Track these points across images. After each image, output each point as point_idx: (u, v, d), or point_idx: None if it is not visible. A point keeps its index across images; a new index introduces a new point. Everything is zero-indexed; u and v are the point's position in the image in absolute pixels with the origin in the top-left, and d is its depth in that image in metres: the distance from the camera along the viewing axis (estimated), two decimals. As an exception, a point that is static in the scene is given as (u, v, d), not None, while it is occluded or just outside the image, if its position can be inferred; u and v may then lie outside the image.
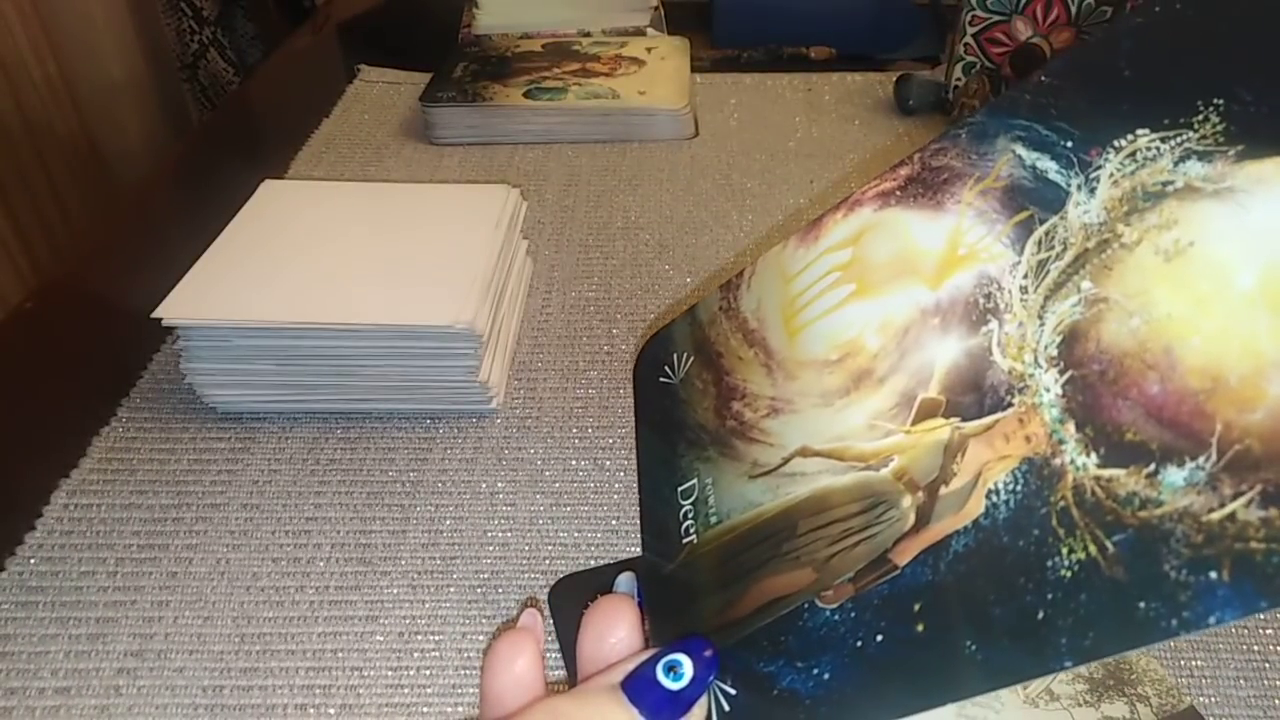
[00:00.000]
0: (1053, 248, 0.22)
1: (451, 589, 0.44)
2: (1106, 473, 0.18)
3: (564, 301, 0.63)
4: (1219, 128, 0.20)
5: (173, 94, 1.34)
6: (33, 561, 0.45)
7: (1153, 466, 0.18)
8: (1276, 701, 0.39)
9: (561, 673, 0.40)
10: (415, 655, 0.41)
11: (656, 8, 0.99)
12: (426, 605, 0.43)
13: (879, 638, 0.20)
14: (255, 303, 0.50)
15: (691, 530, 0.26)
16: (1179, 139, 0.20)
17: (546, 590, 0.44)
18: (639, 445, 0.31)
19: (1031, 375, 0.21)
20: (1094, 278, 0.21)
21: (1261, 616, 0.42)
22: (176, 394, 0.54)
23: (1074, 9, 0.77)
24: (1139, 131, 0.21)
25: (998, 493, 0.20)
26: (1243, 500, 0.16)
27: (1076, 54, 0.23)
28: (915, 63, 0.96)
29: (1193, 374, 0.18)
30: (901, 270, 0.25)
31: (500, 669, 0.24)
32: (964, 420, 0.22)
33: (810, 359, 0.26)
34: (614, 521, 0.47)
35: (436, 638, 0.42)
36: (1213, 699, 0.39)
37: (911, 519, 0.22)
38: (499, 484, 0.49)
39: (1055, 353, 0.21)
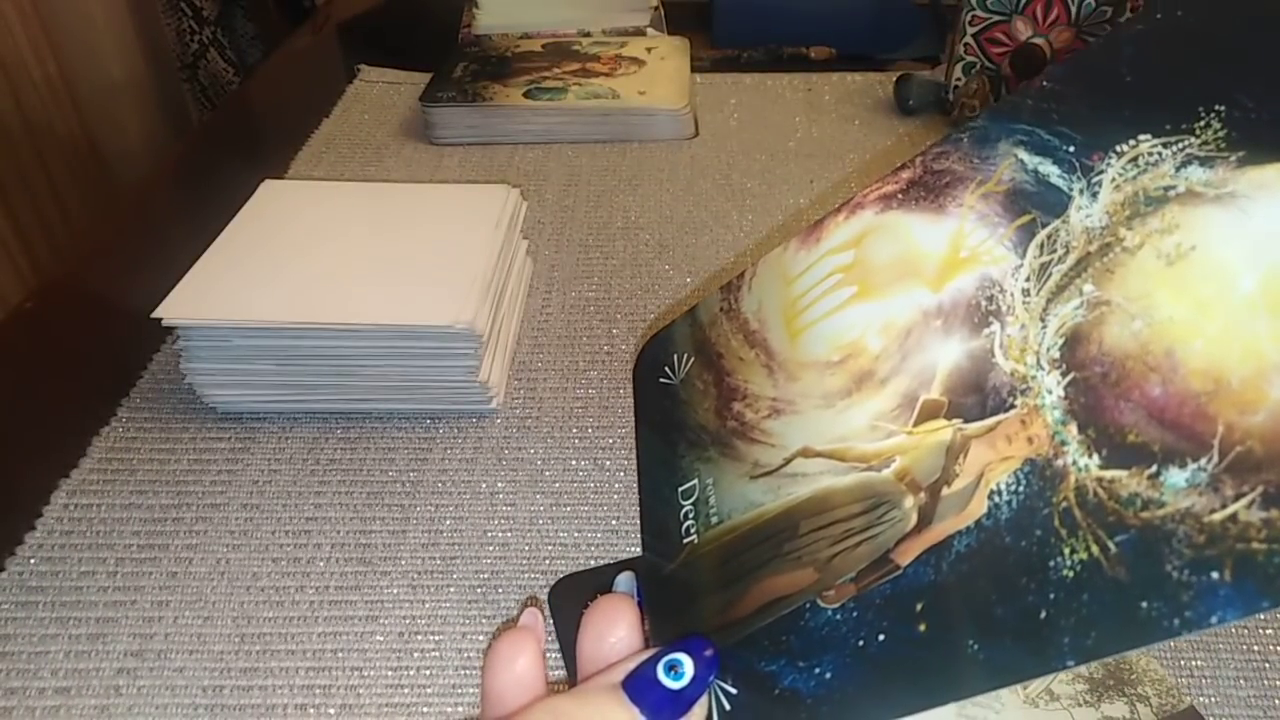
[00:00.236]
0: (1055, 251, 0.22)
1: (451, 589, 0.44)
2: (1109, 474, 0.19)
3: (564, 301, 0.63)
4: (1220, 134, 0.20)
5: (173, 94, 1.34)
6: (33, 561, 0.45)
7: (1155, 468, 0.18)
8: (1276, 701, 0.39)
9: (562, 673, 0.40)
10: (415, 655, 0.41)
11: (656, 8, 0.99)
12: (426, 605, 0.43)
13: (881, 637, 0.20)
14: (255, 303, 0.50)
15: (692, 530, 0.26)
16: (1181, 144, 0.20)
17: (546, 590, 0.44)
18: (639, 446, 0.31)
19: (1034, 377, 0.21)
20: (1096, 281, 0.21)
21: (1262, 617, 0.42)
22: (176, 394, 0.54)
23: (1074, 9, 0.77)
24: (1141, 137, 0.21)
25: (1000, 493, 0.20)
26: (1244, 501, 0.16)
27: (1078, 59, 0.24)
28: (915, 63, 0.96)
29: (1194, 376, 0.18)
30: (903, 272, 0.25)
31: (501, 668, 0.24)
32: (966, 421, 0.22)
33: (812, 360, 0.26)
34: (614, 521, 0.47)
35: (436, 638, 0.42)
36: (1213, 699, 0.39)
37: (913, 519, 0.22)
38: (499, 484, 0.49)
39: (1057, 355, 0.21)
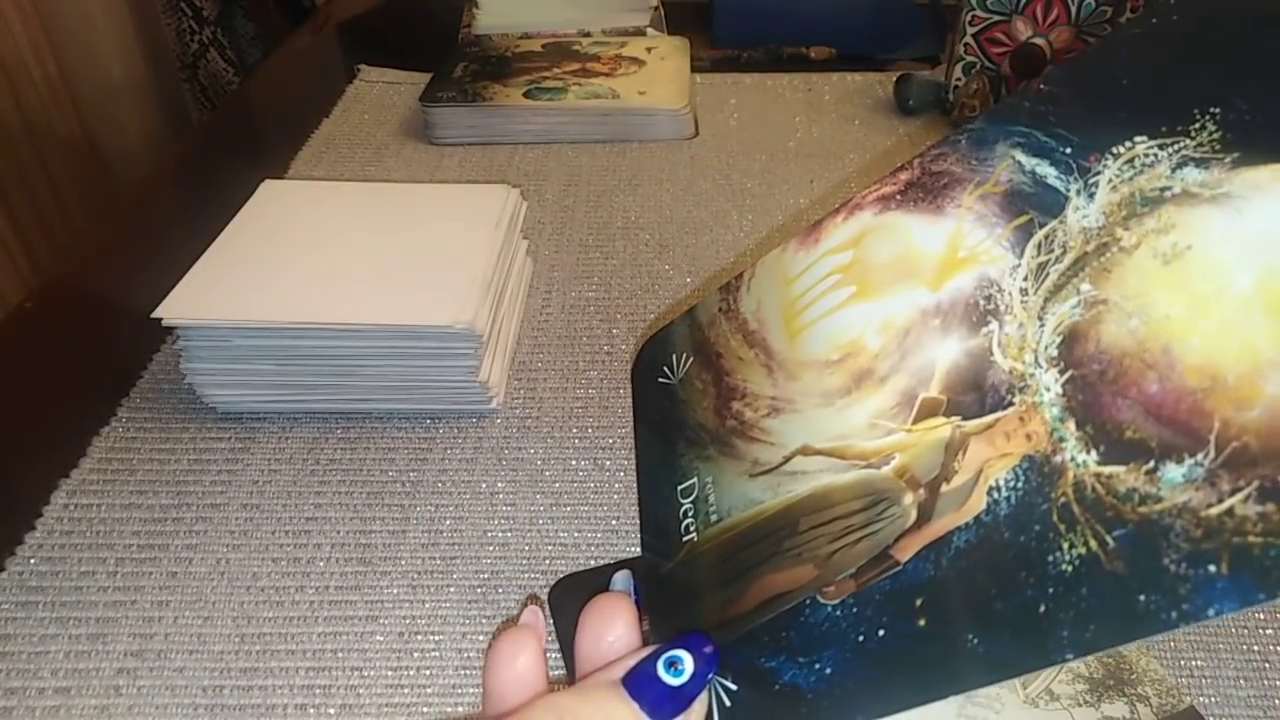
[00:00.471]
0: (1052, 251, 0.22)
1: (451, 589, 0.44)
2: (1107, 469, 0.19)
3: (564, 301, 0.63)
4: (1215, 136, 0.20)
5: (173, 94, 1.34)
6: (33, 561, 0.45)
7: (1152, 463, 0.18)
8: (1276, 701, 0.39)
9: (562, 672, 0.40)
10: (415, 655, 0.41)
11: (656, 8, 0.99)
12: (426, 605, 0.43)
13: (881, 632, 0.21)
14: (255, 303, 0.50)
15: (691, 528, 0.27)
16: (1176, 146, 0.21)
17: (546, 590, 0.44)
18: (638, 445, 0.31)
19: (1032, 375, 0.21)
20: (1093, 280, 0.21)
21: (1262, 616, 0.42)
22: (176, 394, 0.54)
23: (1074, 9, 0.77)
24: (1137, 139, 0.21)
25: (999, 489, 0.20)
26: (1240, 495, 0.17)
27: (1074, 63, 0.24)
28: (915, 63, 0.97)
29: (1191, 373, 0.18)
30: (902, 272, 0.25)
31: (502, 666, 0.24)
32: (965, 419, 0.22)
33: (811, 359, 0.27)
34: (614, 521, 0.48)
35: (436, 638, 0.42)
36: (1213, 699, 0.39)
37: (913, 516, 0.22)
38: (499, 484, 0.49)
39: (1055, 353, 0.21)
